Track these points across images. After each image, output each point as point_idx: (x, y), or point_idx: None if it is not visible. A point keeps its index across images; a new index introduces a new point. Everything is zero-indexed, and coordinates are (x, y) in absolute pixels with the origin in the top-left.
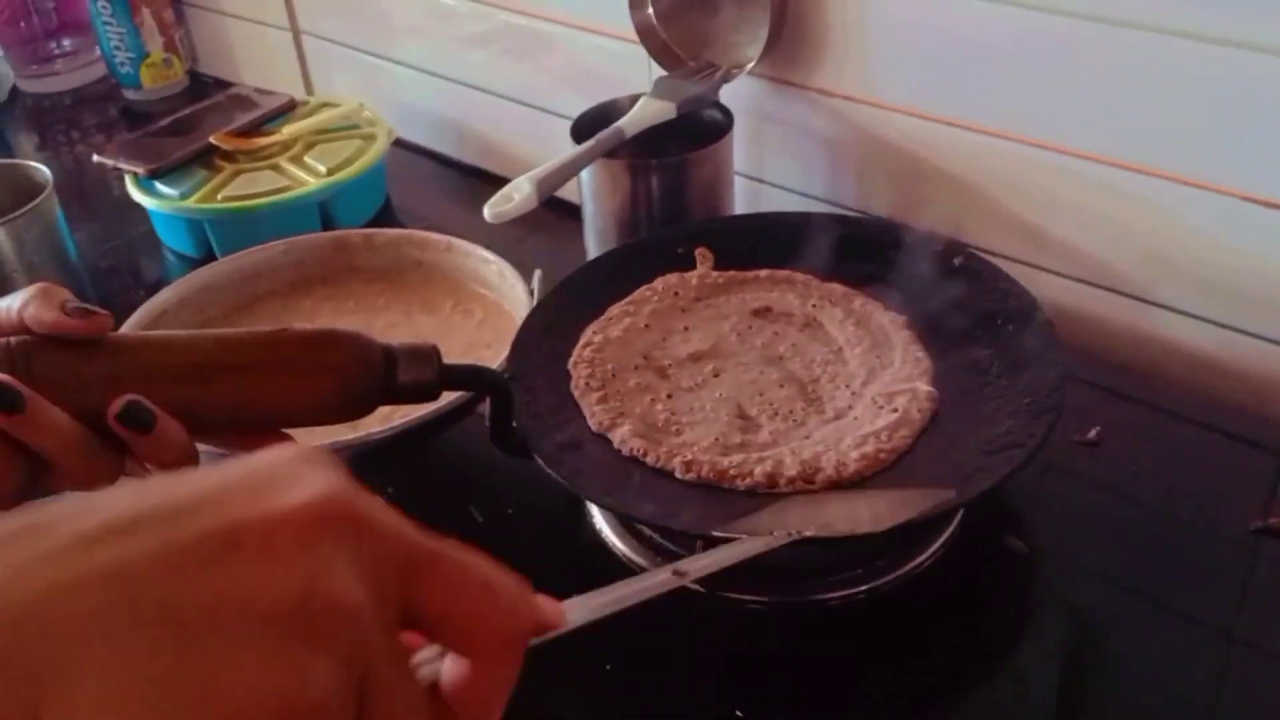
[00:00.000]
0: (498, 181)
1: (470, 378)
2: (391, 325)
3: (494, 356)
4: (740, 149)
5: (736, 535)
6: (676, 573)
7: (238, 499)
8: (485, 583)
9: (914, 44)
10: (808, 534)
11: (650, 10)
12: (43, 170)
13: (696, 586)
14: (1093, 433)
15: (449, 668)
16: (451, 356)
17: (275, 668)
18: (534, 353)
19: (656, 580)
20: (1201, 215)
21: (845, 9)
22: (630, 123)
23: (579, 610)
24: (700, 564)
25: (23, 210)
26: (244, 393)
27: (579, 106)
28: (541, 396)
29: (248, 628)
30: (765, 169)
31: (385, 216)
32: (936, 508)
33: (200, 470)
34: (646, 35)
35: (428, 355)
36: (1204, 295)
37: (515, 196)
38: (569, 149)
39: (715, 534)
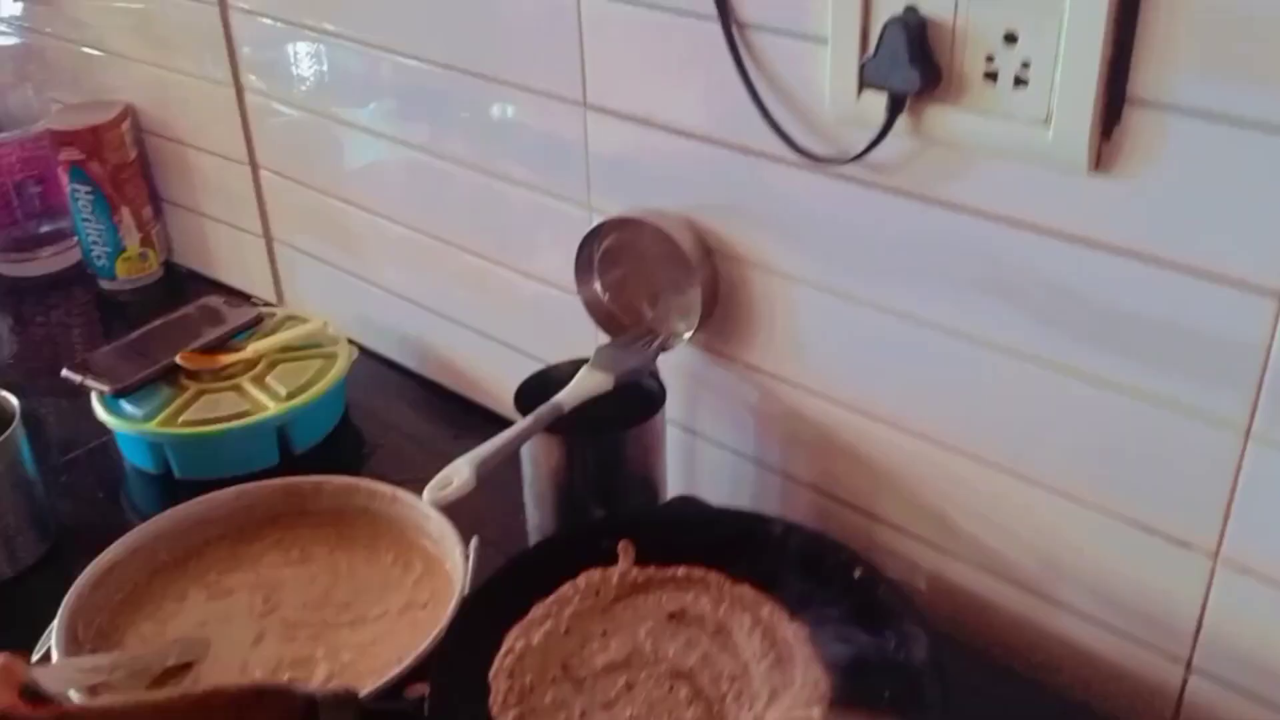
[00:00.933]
0: (457, 399)
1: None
2: (333, 575)
3: (429, 617)
4: (679, 405)
5: None
6: None
7: None
8: None
9: (826, 340)
10: None
11: (596, 285)
12: (10, 401)
13: None
14: None
15: None
16: (389, 614)
17: None
18: (456, 664)
19: None
20: (1085, 530)
21: (768, 301)
22: (569, 396)
23: None
24: None
25: None
26: None
27: (535, 343)
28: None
29: None
30: (700, 425)
31: (343, 431)
32: None
33: None
34: (593, 306)
35: (348, 702)
36: (1090, 598)
37: (454, 480)
38: (524, 375)
39: None
